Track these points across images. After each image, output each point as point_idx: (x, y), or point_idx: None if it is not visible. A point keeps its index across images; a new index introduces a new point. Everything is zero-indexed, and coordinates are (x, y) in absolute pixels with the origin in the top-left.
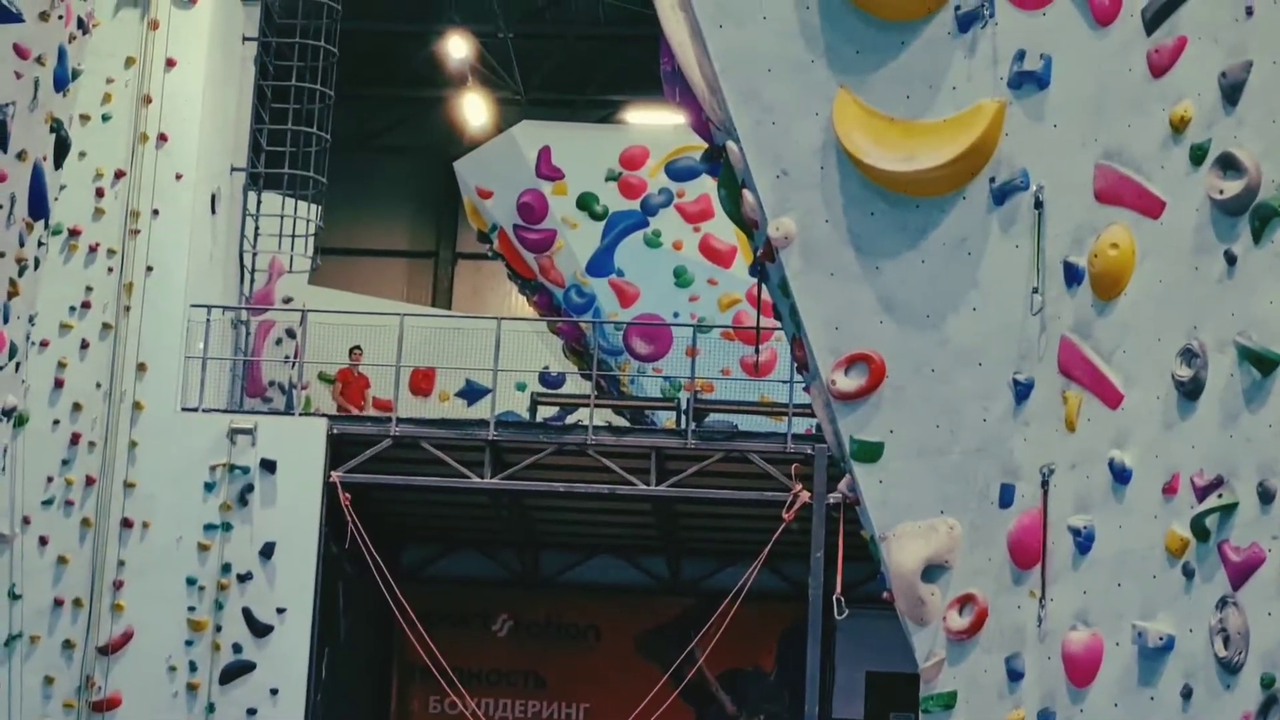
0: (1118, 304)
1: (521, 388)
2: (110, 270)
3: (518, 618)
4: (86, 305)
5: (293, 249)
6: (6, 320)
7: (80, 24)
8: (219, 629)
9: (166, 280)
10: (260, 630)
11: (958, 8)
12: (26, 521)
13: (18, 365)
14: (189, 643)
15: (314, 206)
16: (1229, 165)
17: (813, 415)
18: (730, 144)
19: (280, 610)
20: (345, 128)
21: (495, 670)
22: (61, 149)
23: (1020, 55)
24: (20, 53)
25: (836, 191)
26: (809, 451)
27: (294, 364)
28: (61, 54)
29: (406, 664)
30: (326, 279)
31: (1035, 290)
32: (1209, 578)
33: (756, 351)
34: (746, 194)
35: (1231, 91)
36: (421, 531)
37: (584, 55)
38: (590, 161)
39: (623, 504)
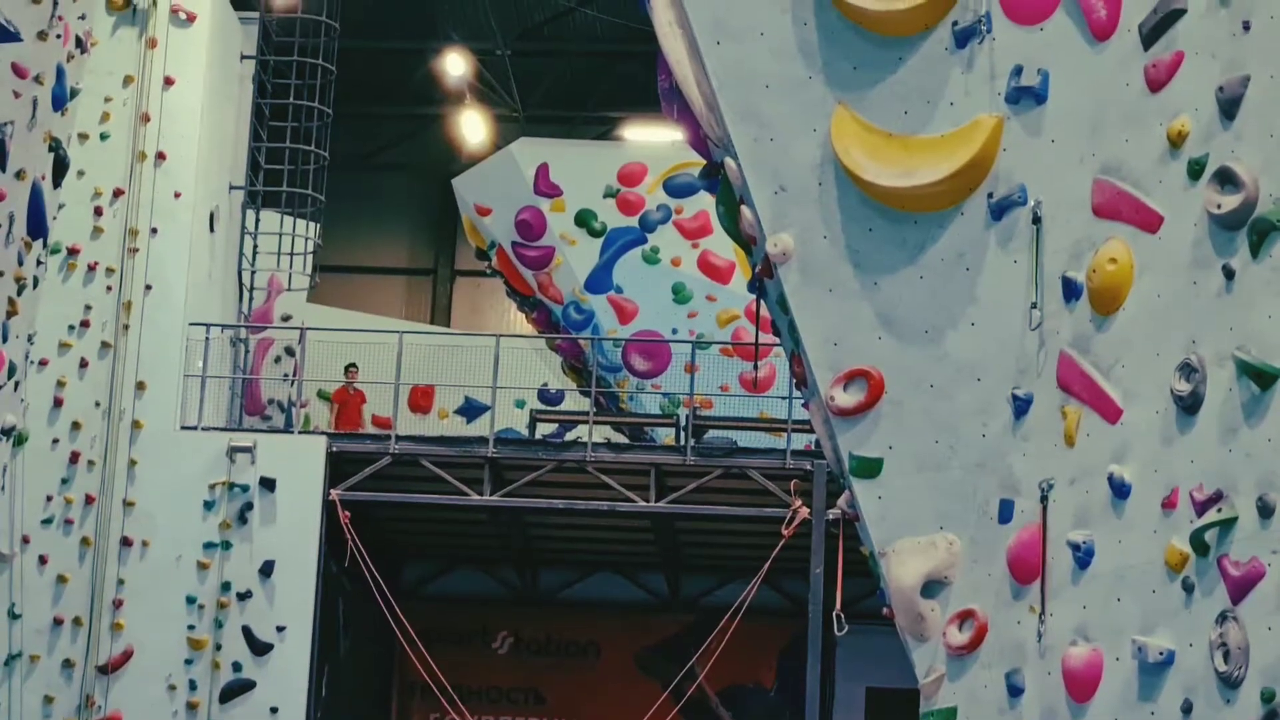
0: (1116, 319)
1: (520, 405)
2: (109, 289)
3: (518, 635)
4: (85, 324)
5: (291, 267)
6: (5, 339)
7: (78, 43)
8: (219, 647)
9: (165, 299)
10: (260, 648)
11: (955, 23)
12: (26, 540)
13: (17, 384)
14: (189, 661)
15: (313, 224)
16: (1227, 180)
17: (812, 431)
18: (728, 160)
19: (280, 628)
20: (344, 146)
21: (496, 688)
22: (60, 168)
23: (1018, 70)
24: (19, 72)
25: (835, 207)
26: (808, 467)
27: (293, 382)
28: (60, 73)
29: (407, 682)
30: (325, 297)
31: (1034, 305)
32: (1209, 592)
33: (755, 368)
34: (745, 210)
35: (1229, 106)
36: (421, 549)
37: (582, 72)
38: (588, 178)
39: (622, 521)
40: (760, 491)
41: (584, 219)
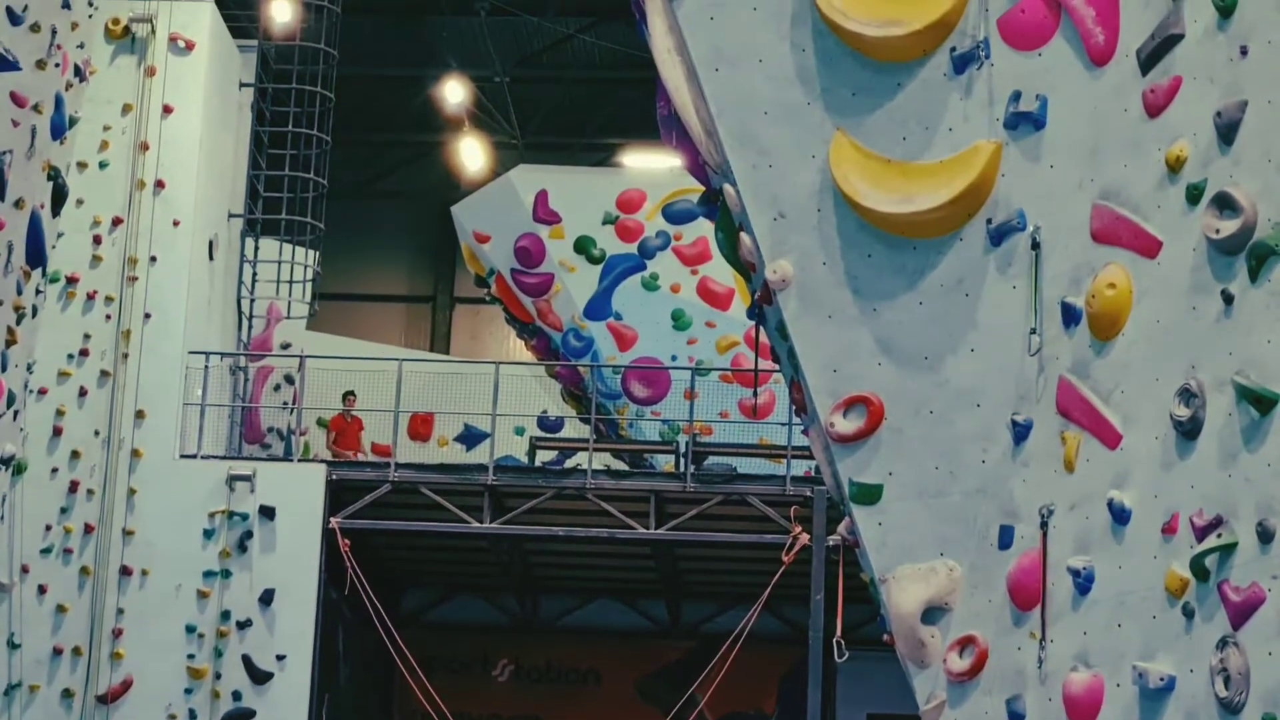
0: (1115, 344)
1: (520, 432)
2: (108, 317)
3: (518, 662)
4: (85, 353)
5: (290, 295)
6: (5, 368)
7: (77, 72)
8: (219, 676)
9: (165, 327)
10: (260, 677)
11: (953, 49)
12: (25, 570)
13: (16, 413)
14: (189, 690)
15: (312, 252)
16: (1225, 204)
17: (812, 458)
18: (727, 187)
19: (280, 657)
20: (342, 173)
21: (496, 715)
22: (59, 196)
23: (1016, 96)
24: (17, 101)
25: (834, 234)
26: (808, 494)
27: (292, 410)
28: (59, 102)
29: (407, 710)
30: (325, 324)
31: (1033, 331)
32: (1209, 618)
33: (755, 394)
34: (744, 237)
35: (1227, 131)
36: (421, 577)
37: (580, 99)
38: (587, 205)
39: (622, 548)
40: (760, 518)
41: (583, 246)
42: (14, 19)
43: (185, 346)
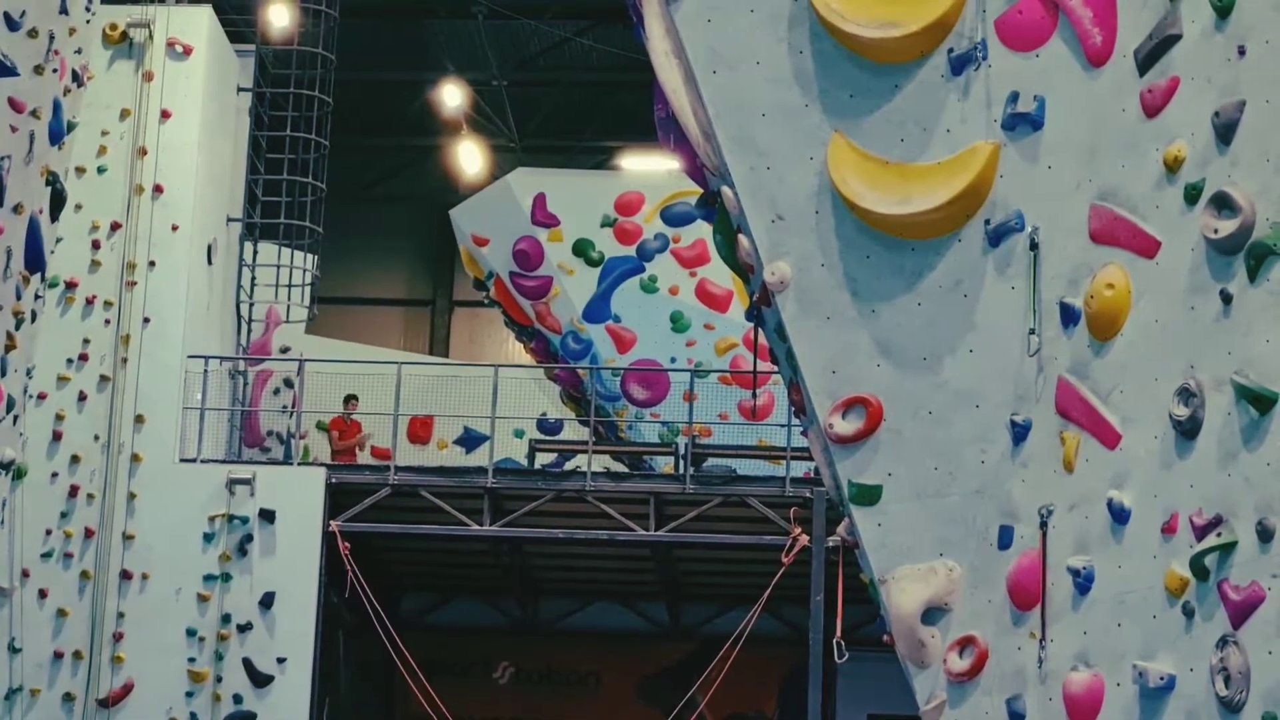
0: (1114, 344)
1: (519, 435)
2: (107, 322)
3: (519, 665)
4: (84, 357)
5: (289, 299)
6: (4, 373)
7: (75, 77)
8: (219, 680)
9: (163, 331)
10: (261, 680)
11: (951, 50)
12: (26, 574)
13: (16, 418)
14: (189, 694)
15: (310, 256)
16: (1223, 204)
17: (811, 459)
18: (725, 189)
19: (281, 660)
20: (340, 177)
21: (497, 718)
22: (57, 202)
23: (1014, 97)
24: (15, 106)
25: (832, 235)
26: (807, 495)
27: (292, 414)
28: (56, 107)
29: (408, 713)
30: (323, 328)
31: (1032, 331)
32: (1209, 617)
33: (754, 396)
34: (742, 239)
35: (1225, 131)
36: (421, 580)
37: (578, 102)
38: (586, 208)
39: (622, 550)
40: (760, 519)
41: (582, 248)
42: (12, 25)
43: (184, 351)
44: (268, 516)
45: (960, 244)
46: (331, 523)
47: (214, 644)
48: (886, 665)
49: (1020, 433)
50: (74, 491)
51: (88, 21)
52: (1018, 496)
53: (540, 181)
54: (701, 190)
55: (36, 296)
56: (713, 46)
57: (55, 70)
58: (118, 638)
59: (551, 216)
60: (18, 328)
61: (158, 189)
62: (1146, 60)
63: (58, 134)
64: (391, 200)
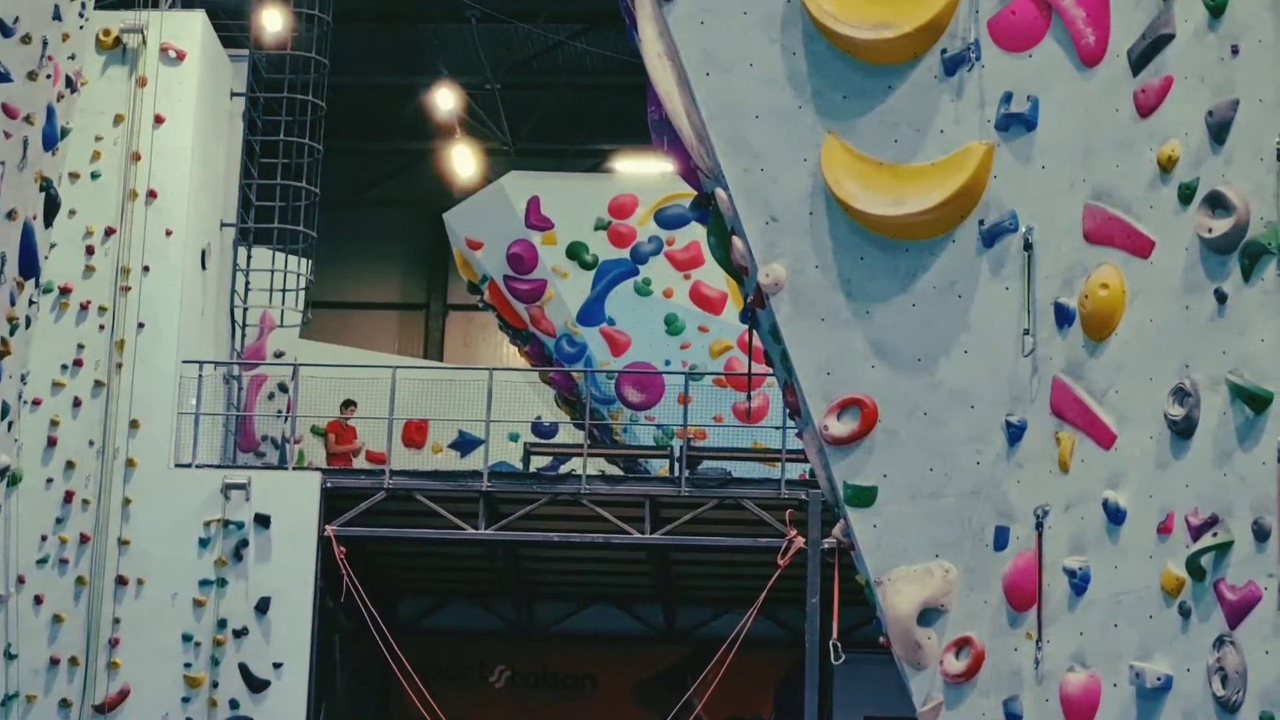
0: (1109, 344)
1: (514, 438)
2: (101, 328)
3: (515, 668)
4: (78, 363)
5: (284, 303)
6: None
7: (69, 82)
8: (215, 685)
9: (158, 337)
10: (257, 685)
11: (944, 51)
12: (21, 580)
13: (10, 424)
14: (185, 699)
15: (304, 260)
16: (1218, 204)
17: (806, 461)
18: (719, 191)
19: (277, 665)
20: (334, 182)
21: None
22: (51, 207)
23: (1007, 97)
24: (9, 112)
25: (826, 237)
26: (803, 497)
27: (286, 418)
28: (50, 113)
29: (404, 717)
30: (318, 333)
31: (1026, 332)
32: (1205, 617)
33: (749, 398)
34: (736, 241)
35: (1219, 130)
36: (417, 584)
37: (571, 105)
38: (579, 211)
39: (618, 553)
40: (755, 522)
41: (575, 251)
42: (5, 31)
43: (179, 356)
44: (263, 521)
45: (954, 245)
46: (327, 527)
47: (210, 649)
48: (883, 667)
49: (1015, 433)
50: (69, 497)
51: (81, 27)
52: (1013, 497)
53: (534, 185)
54: (695, 192)
55: (31, 302)
56: (706, 49)
57: (49, 76)
58: (114, 643)
59: (545, 220)
60: (12, 333)
61: (152, 194)
62: (1140, 60)
63: (51, 140)
64: (385, 204)
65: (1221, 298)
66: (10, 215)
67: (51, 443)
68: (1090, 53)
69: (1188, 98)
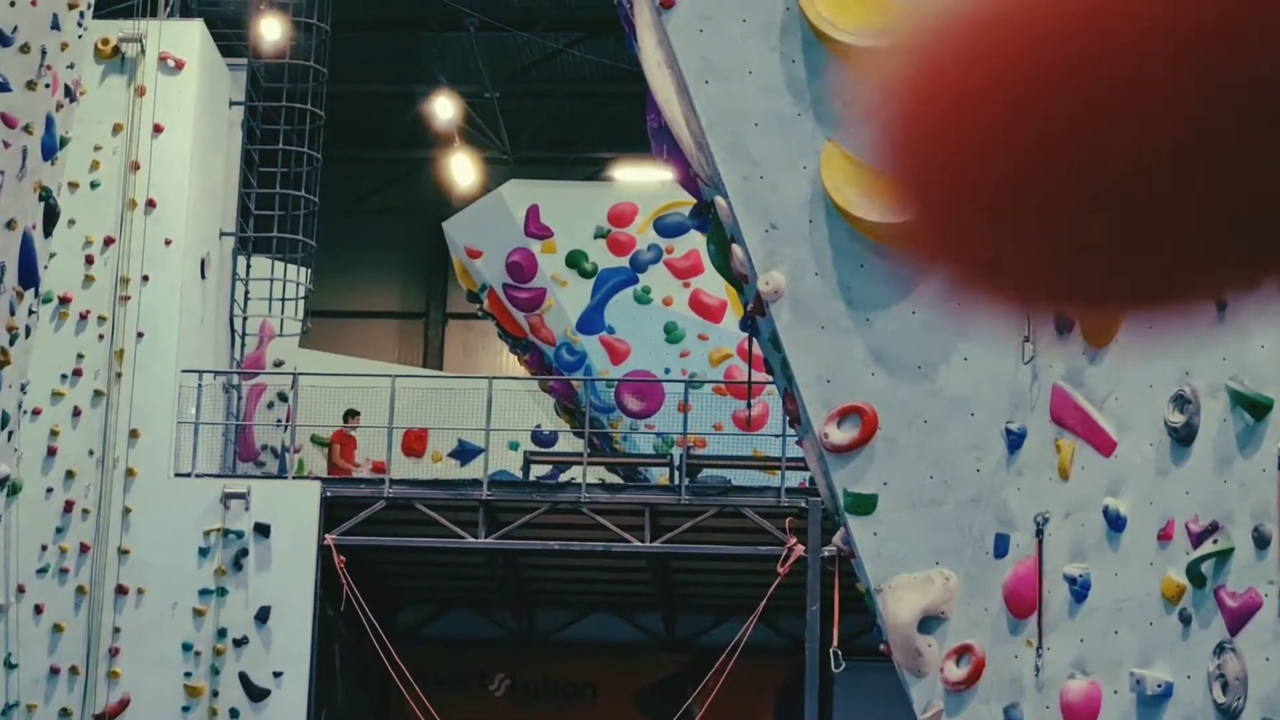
0: (1109, 351)
1: (514, 447)
2: (101, 337)
3: (515, 677)
4: (78, 373)
5: (283, 312)
6: None
7: (67, 92)
8: (215, 694)
9: (157, 346)
10: (257, 694)
11: None
12: (21, 590)
13: (10, 434)
14: (186, 709)
15: (304, 269)
16: None
17: (806, 469)
18: (718, 199)
19: (277, 674)
20: (333, 190)
21: None
22: (51, 217)
23: None
24: (8, 122)
25: (826, 245)
26: (803, 505)
27: (286, 427)
28: (49, 122)
29: None
30: (317, 342)
31: (1026, 339)
32: (1206, 624)
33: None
34: (735, 249)
35: None
36: (416, 593)
37: (570, 113)
38: (579, 219)
39: (617, 561)
40: (755, 530)
41: (575, 260)
42: (4, 40)
43: (178, 365)
44: (263, 530)
45: None
46: (327, 536)
47: (210, 658)
48: (883, 675)
49: (1015, 441)
50: (69, 507)
51: (80, 36)
52: (1013, 504)
53: (533, 193)
54: (695, 200)
55: (30, 312)
56: (705, 56)
57: (48, 85)
58: (114, 653)
59: (544, 228)
60: (12, 343)
61: (151, 203)
62: None
63: (50, 149)
64: (384, 213)
65: (1221, 304)
66: (10, 225)
67: (51, 452)
68: None
69: None
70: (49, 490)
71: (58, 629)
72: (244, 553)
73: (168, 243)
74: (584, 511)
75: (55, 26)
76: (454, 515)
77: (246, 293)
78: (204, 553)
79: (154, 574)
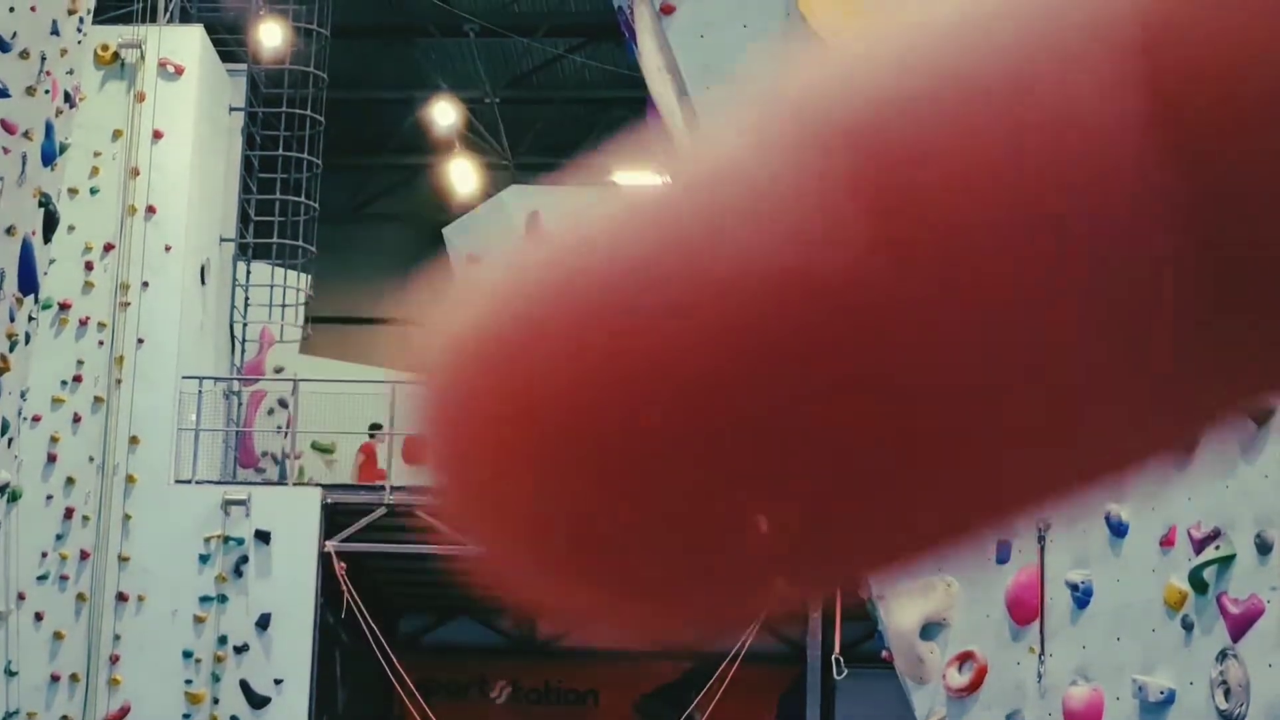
0: None
1: None
2: (101, 343)
3: (516, 684)
4: (78, 379)
5: (283, 318)
6: None
7: (67, 98)
8: (216, 701)
9: (157, 352)
10: (258, 702)
11: None
12: (22, 597)
13: (10, 441)
14: (186, 716)
15: (304, 276)
16: None
17: None
18: None
19: (278, 681)
20: (334, 196)
21: None
22: (50, 223)
23: None
24: (7, 128)
25: None
26: None
27: (287, 434)
28: (49, 128)
29: None
30: (318, 348)
31: None
32: (1208, 630)
33: None
34: None
35: None
36: (418, 600)
37: (572, 118)
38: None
39: None
40: None
41: None
42: (3, 46)
43: (178, 371)
44: (263, 537)
45: None
46: (327, 543)
47: (210, 665)
48: (885, 681)
49: None
50: (69, 514)
51: (79, 42)
52: None
53: (534, 198)
54: None
55: (30, 319)
56: (706, 62)
57: (47, 91)
58: (114, 660)
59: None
60: (11, 350)
61: (150, 209)
62: None
63: (50, 155)
64: (385, 219)
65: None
66: (9, 231)
67: (51, 459)
68: None
69: None
70: (49, 497)
71: (58, 636)
72: (244, 559)
73: (168, 249)
74: None
75: (55, 32)
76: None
77: (247, 299)
78: (204, 559)
79: (154, 581)
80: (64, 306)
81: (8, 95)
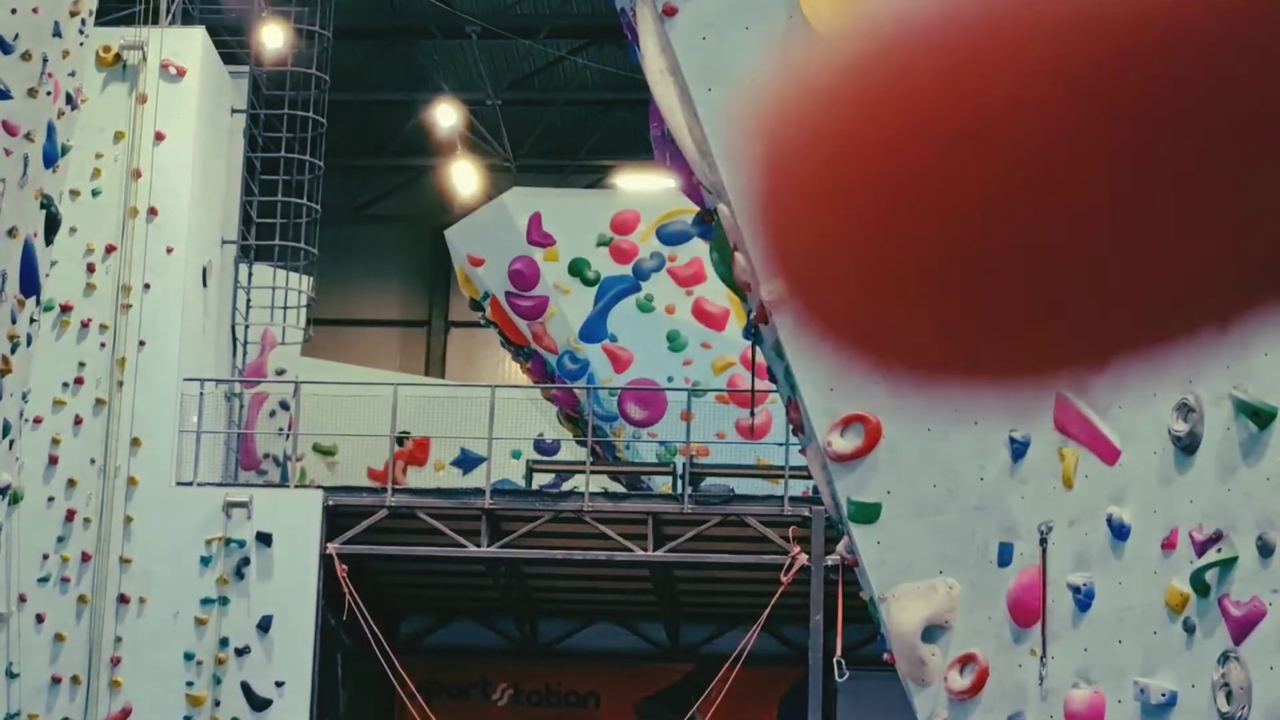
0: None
1: (517, 455)
2: (102, 346)
3: (517, 686)
4: (80, 381)
5: (285, 321)
6: (0, 398)
7: (69, 100)
8: (217, 704)
9: (159, 354)
10: (259, 704)
11: None
12: (23, 599)
13: (11, 443)
14: (187, 718)
15: (305, 278)
16: None
17: (809, 477)
18: (721, 207)
19: (279, 683)
20: (335, 198)
21: None
22: (52, 225)
23: None
24: (9, 130)
25: None
26: (806, 514)
27: (288, 436)
28: (50, 130)
29: None
30: (319, 350)
31: None
32: (1210, 633)
33: (751, 415)
34: (738, 257)
35: None
36: (419, 602)
37: (573, 121)
38: (581, 227)
39: (620, 570)
40: (758, 539)
41: (577, 268)
42: (4, 48)
43: (180, 374)
44: (265, 539)
45: None
46: (329, 545)
47: (212, 668)
48: (887, 684)
49: (1019, 449)
50: (70, 516)
51: (81, 44)
52: (1017, 513)
53: (535, 201)
54: (698, 208)
55: (32, 320)
56: (708, 64)
57: (49, 93)
58: (115, 662)
59: (547, 236)
60: (13, 352)
61: (152, 211)
62: None
63: (52, 157)
64: (386, 221)
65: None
66: (11, 233)
67: (53, 461)
68: None
69: None
70: (50, 499)
71: (59, 638)
72: (246, 562)
73: (169, 251)
74: (587, 520)
75: (57, 34)
76: (456, 524)
77: (248, 301)
78: (206, 562)
79: (156, 583)
80: (65, 308)
81: (10, 97)
